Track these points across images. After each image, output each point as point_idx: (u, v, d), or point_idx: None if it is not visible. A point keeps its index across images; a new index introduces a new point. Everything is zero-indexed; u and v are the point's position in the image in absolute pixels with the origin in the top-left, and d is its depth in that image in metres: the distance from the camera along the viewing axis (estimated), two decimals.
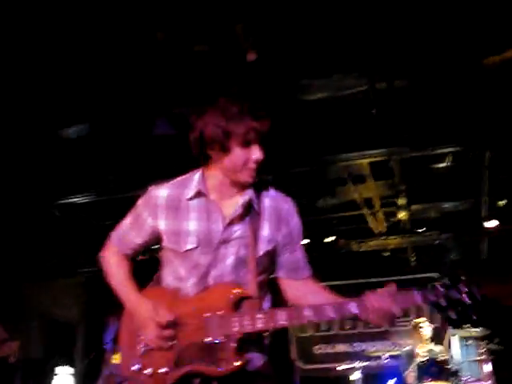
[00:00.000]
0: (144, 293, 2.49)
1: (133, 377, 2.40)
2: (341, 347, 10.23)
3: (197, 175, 2.44)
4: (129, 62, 4.94)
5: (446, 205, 8.01)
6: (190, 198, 2.39)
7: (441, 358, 7.24)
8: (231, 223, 2.37)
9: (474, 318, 2.10)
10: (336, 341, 10.29)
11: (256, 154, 2.29)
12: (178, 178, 2.49)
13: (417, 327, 7.61)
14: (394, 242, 8.70)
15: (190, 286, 2.40)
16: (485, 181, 6.81)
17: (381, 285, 2.19)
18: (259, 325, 2.25)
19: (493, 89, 5.20)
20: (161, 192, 2.44)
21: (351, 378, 7.99)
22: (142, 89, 5.26)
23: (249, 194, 2.39)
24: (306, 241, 8.90)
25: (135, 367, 2.39)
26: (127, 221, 2.60)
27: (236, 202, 2.38)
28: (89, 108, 5.56)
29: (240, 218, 2.39)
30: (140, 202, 2.54)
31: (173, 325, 2.30)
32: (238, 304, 2.32)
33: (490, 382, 7.21)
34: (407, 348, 7.94)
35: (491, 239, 9.02)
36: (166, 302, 2.37)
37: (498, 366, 7.59)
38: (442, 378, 7.07)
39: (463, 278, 2.13)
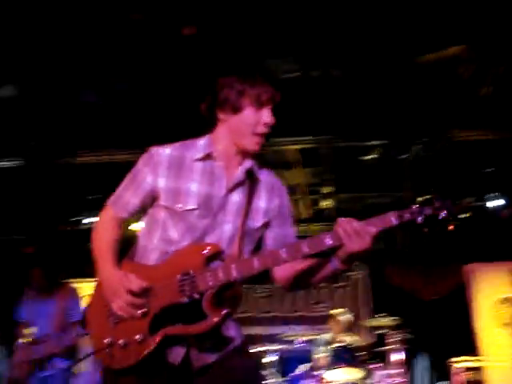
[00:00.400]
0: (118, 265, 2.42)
1: (105, 351, 2.27)
2: (256, 330, 10.28)
3: (203, 140, 2.44)
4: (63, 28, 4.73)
5: (371, 197, 8.14)
6: (198, 159, 2.38)
7: (353, 345, 7.42)
8: (232, 190, 2.39)
9: (451, 228, 2.18)
10: (251, 323, 10.34)
11: (267, 117, 2.32)
12: (181, 142, 2.47)
13: (334, 316, 7.75)
14: (316, 228, 8.80)
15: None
16: (407, 176, 6.96)
17: None
18: (234, 274, 2.21)
19: (424, 85, 5.30)
20: (163, 151, 2.43)
21: (264, 360, 8.03)
22: (73, 57, 5.05)
23: (250, 162, 2.41)
24: None
25: (107, 340, 2.28)
26: (124, 182, 2.54)
27: (238, 169, 2.40)
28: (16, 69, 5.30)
29: (240, 185, 2.41)
30: (140, 161, 2.49)
31: (144, 291, 2.24)
32: (212, 261, 2.29)
33: (400, 370, 7.41)
34: (326, 334, 8.08)
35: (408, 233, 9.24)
36: (139, 271, 2.31)
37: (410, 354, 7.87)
38: (354, 365, 7.23)
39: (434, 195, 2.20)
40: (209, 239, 2.34)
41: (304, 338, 8.54)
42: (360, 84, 5.46)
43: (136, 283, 2.23)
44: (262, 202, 2.47)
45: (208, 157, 2.40)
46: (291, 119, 5.72)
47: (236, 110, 2.34)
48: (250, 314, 10.49)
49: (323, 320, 9.33)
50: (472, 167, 7.03)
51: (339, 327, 7.66)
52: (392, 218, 2.17)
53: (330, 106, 5.62)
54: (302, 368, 7.82)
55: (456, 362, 7.83)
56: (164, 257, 2.36)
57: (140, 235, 2.54)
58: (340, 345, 7.31)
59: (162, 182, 2.38)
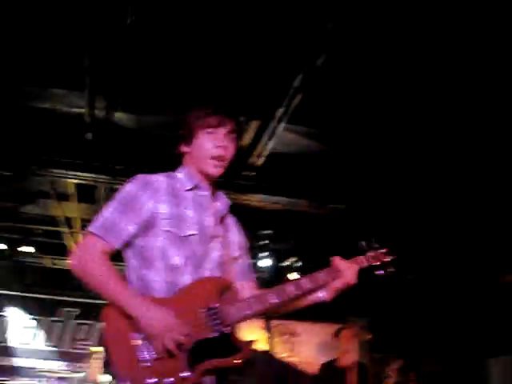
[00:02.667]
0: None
1: None
2: (17, 361, 9.72)
3: (179, 172, 2.54)
4: None
5: None
6: (188, 190, 2.47)
7: None
8: (218, 221, 2.52)
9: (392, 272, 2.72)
10: (13, 354, 9.76)
11: (219, 140, 2.45)
12: (162, 173, 2.51)
13: (93, 355, 7.61)
14: None
15: (186, 275, 2.34)
16: None
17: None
18: (255, 307, 2.36)
19: None
20: (158, 177, 2.45)
21: None
22: None
23: (226, 198, 2.60)
24: (3, 246, 8.43)
25: (152, 381, 2.09)
26: (113, 209, 2.34)
27: (217, 202, 2.55)
28: None
29: (221, 219, 2.56)
30: (131, 187, 2.38)
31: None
32: (224, 293, 2.36)
33: None
34: (80, 373, 7.88)
35: None
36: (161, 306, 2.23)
37: None
38: None
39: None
40: (206, 266, 2.41)
41: (59, 375, 8.27)
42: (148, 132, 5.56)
43: (186, 328, 2.20)
44: (234, 235, 2.64)
45: (196, 187, 2.50)
46: (70, 153, 5.67)
47: (192, 139, 2.48)
48: (5, 344, 9.86)
49: (83, 357, 9.13)
50: None
51: (98, 366, 7.51)
52: (363, 261, 2.66)
53: (110, 146, 5.61)
54: None
55: None
56: (173, 288, 2.31)
57: (130, 267, 2.39)
58: None
59: (163, 208, 2.36)
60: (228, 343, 2.27)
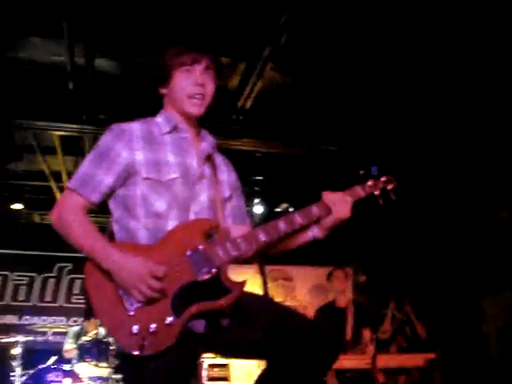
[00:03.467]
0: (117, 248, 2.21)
1: (136, 341, 2.04)
2: (9, 318, 9.76)
3: (159, 116, 2.50)
4: None
5: None
6: (166, 133, 2.42)
7: (105, 339, 7.29)
8: (203, 161, 2.46)
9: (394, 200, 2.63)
10: (5, 311, 9.79)
11: (196, 77, 2.42)
12: (140, 119, 2.45)
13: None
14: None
15: (170, 221, 2.29)
16: None
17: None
18: (243, 247, 2.29)
19: None
20: (132, 125, 2.39)
21: (12, 351, 7.60)
22: None
23: (211, 137, 2.56)
24: None
25: (135, 328, 2.05)
26: (90, 162, 2.27)
27: (202, 142, 2.51)
28: None
29: (208, 158, 2.49)
30: (106, 138, 2.32)
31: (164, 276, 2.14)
32: (210, 235, 2.30)
33: None
34: (76, 326, 7.89)
35: None
36: (140, 253, 2.17)
37: None
38: (102, 359, 7.11)
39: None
40: (193, 208, 2.35)
41: (55, 330, 8.29)
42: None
43: (161, 269, 2.12)
44: (223, 175, 2.59)
45: (175, 128, 2.45)
46: (54, 104, 5.52)
47: (169, 80, 2.44)
48: (5, 303, 9.89)
49: (80, 312, 9.16)
50: None
51: (95, 321, 7.50)
52: (360, 191, 2.56)
53: (92, 94, 5.46)
54: (50, 360, 7.56)
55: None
56: (156, 234, 2.25)
57: (115, 219, 2.35)
58: (89, 338, 7.15)
59: (139, 155, 2.32)
60: (217, 285, 2.22)
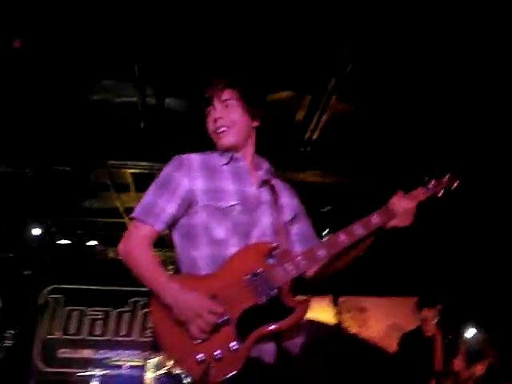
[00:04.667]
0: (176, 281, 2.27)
1: (201, 369, 2.09)
2: (86, 353, 9.98)
3: (216, 151, 2.56)
4: None
5: None
6: (225, 163, 2.49)
7: (176, 371, 7.34)
8: (261, 186, 2.49)
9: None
10: (82, 346, 10.03)
11: (211, 114, 2.50)
12: (199, 152, 2.53)
13: None
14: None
15: (231, 247, 2.29)
16: None
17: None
18: (303, 265, 2.28)
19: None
20: (192, 156, 2.46)
21: None
22: None
23: (267, 163, 2.61)
24: (66, 241, 8.60)
25: (200, 356, 2.10)
26: (151, 193, 2.39)
27: (259, 170, 2.55)
28: None
29: (266, 183, 2.53)
30: (167, 168, 2.43)
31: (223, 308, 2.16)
32: (270, 257, 2.32)
33: None
34: (153, 359, 7.98)
35: None
36: (201, 284, 2.22)
37: None
38: None
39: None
40: (254, 234, 2.35)
41: (131, 364, 8.40)
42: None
43: (216, 307, 2.15)
44: (284, 198, 2.58)
45: (232, 159, 2.51)
46: (126, 143, 5.70)
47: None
48: (81, 337, 10.14)
49: (153, 345, 9.26)
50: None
51: None
52: (422, 193, 2.50)
53: (162, 133, 5.63)
54: None
55: None
56: (217, 261, 2.28)
57: (178, 251, 2.43)
58: (163, 372, 7.22)
59: (199, 184, 2.38)
60: (280, 307, 2.22)
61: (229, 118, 2.49)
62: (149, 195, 2.39)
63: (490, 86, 4.98)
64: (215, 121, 2.49)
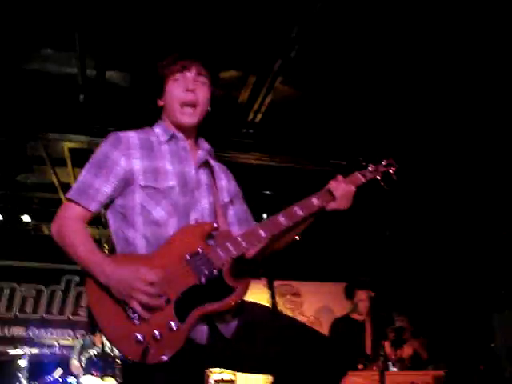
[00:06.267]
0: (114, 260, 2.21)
1: (141, 349, 2.02)
2: (17, 331, 9.78)
3: (157, 127, 2.48)
4: None
5: None
6: (164, 142, 2.41)
7: (112, 353, 7.26)
8: (199, 168, 2.44)
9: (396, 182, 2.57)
10: (13, 323, 9.81)
11: (185, 84, 2.39)
12: (138, 129, 2.44)
13: None
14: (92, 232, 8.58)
15: (170, 228, 2.24)
16: None
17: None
18: (244, 245, 2.26)
19: None
20: (130, 134, 2.37)
21: (19, 364, 7.61)
22: None
23: (207, 144, 2.54)
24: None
25: (139, 337, 2.03)
26: (86, 172, 2.26)
27: (198, 150, 2.48)
28: None
29: (204, 164, 2.47)
30: (103, 147, 2.31)
31: (159, 280, 2.10)
32: (210, 238, 2.29)
33: None
34: (81, 340, 7.88)
35: None
36: (139, 262, 2.14)
37: None
38: (108, 373, 7.10)
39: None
40: (193, 215, 2.32)
41: (62, 342, 8.28)
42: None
43: (153, 273, 2.08)
44: (223, 181, 2.56)
45: (173, 137, 2.43)
46: (65, 116, 5.54)
47: (163, 91, 2.44)
48: (13, 315, 9.92)
49: (85, 324, 9.18)
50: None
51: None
52: (361, 177, 2.48)
53: (102, 106, 5.49)
54: (56, 373, 7.56)
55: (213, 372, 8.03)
56: (156, 242, 2.23)
57: (113, 231, 2.34)
58: (96, 352, 7.14)
59: (137, 163, 2.30)
60: (220, 287, 2.20)
61: (200, 94, 2.42)
62: (84, 175, 2.31)
63: (428, 69, 5.05)
64: (187, 90, 2.39)
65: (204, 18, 4.44)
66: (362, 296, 6.08)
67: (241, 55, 4.89)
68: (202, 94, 2.43)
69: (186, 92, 2.39)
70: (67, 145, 5.83)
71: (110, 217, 2.38)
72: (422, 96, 5.42)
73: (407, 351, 6.12)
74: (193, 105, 2.41)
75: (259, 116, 5.60)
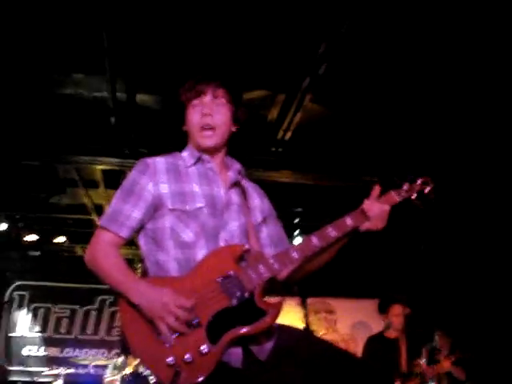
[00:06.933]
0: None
1: (172, 373, 2.03)
2: (52, 351, 9.87)
3: (185, 151, 2.51)
4: None
5: None
6: (191, 165, 2.43)
7: (145, 373, 7.27)
8: (230, 189, 2.44)
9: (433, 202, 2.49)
10: (48, 344, 9.91)
11: (199, 108, 2.42)
12: (165, 154, 2.47)
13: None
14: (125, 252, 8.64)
15: (199, 250, 2.25)
16: None
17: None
18: (276, 267, 2.24)
19: None
20: (157, 159, 2.40)
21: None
22: None
23: (237, 164, 2.54)
24: (34, 237, 8.44)
25: (170, 360, 2.04)
26: (117, 199, 2.33)
27: (228, 170, 2.50)
28: None
29: (235, 185, 2.48)
30: (131, 174, 2.35)
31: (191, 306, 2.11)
32: (242, 260, 2.28)
33: None
34: (118, 359, 7.92)
35: None
36: (171, 286, 2.15)
37: None
38: None
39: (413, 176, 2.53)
40: (222, 236, 2.32)
41: (97, 363, 8.32)
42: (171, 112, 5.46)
43: (185, 298, 2.10)
44: (255, 200, 2.56)
45: (199, 161, 2.45)
46: (96, 138, 5.60)
47: (185, 118, 2.48)
48: (47, 335, 10.02)
49: (119, 344, 9.20)
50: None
51: None
52: (395, 197, 2.44)
53: (134, 129, 5.55)
54: None
55: None
56: (186, 264, 2.24)
57: (145, 255, 2.39)
58: (130, 371, 7.14)
59: (164, 188, 2.33)
60: (252, 310, 2.18)
61: (218, 117, 2.44)
62: (114, 202, 2.36)
63: (466, 88, 5.00)
64: (203, 115, 2.42)
65: (232, 37, 4.46)
66: (397, 311, 6.00)
67: (269, 74, 4.89)
68: (220, 116, 2.44)
69: (203, 116, 2.42)
70: (99, 167, 5.89)
71: (142, 241, 2.41)
72: (452, 111, 5.36)
73: (445, 366, 6.00)
74: (211, 128, 2.43)
75: (289, 134, 5.59)
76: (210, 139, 2.43)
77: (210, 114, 2.42)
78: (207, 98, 2.44)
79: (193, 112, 2.45)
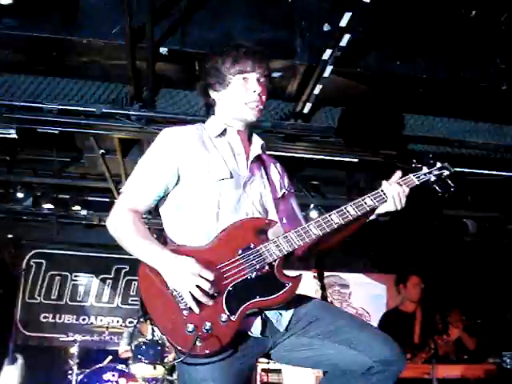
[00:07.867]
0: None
1: (191, 340, 2.08)
2: (68, 318, 10.02)
3: (210, 121, 2.58)
4: None
5: None
6: (216, 136, 2.49)
7: (161, 341, 7.33)
8: (253, 163, 2.50)
9: (452, 187, 2.55)
10: (64, 311, 10.05)
11: (253, 85, 2.45)
12: (189, 125, 2.54)
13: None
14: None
15: (221, 221, 2.29)
16: None
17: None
18: (296, 242, 2.29)
19: None
20: (182, 129, 2.48)
21: (71, 350, 7.77)
22: None
23: (260, 139, 2.59)
24: (51, 206, 8.47)
25: (190, 328, 2.10)
26: (141, 167, 2.38)
27: (251, 145, 2.55)
28: None
29: (257, 159, 2.54)
30: (157, 142, 2.40)
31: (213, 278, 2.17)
32: (262, 233, 2.33)
33: None
34: (130, 328, 8.02)
35: None
36: (194, 255, 2.20)
37: None
38: (157, 360, 7.16)
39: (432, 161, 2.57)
40: (244, 209, 2.37)
41: (112, 330, 8.42)
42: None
43: (209, 271, 2.15)
44: (276, 175, 2.65)
45: (224, 133, 2.52)
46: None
47: (225, 86, 2.48)
48: (62, 302, 10.15)
49: (134, 313, 9.33)
50: None
51: (148, 322, 7.56)
52: (415, 180, 2.52)
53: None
54: (106, 360, 7.70)
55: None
56: (208, 235, 2.29)
57: (166, 224, 2.43)
58: (145, 339, 7.22)
59: (189, 158, 2.37)
60: (272, 282, 2.23)
61: (263, 96, 2.52)
62: (138, 170, 2.39)
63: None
64: (256, 94, 2.47)
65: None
66: (415, 280, 6.08)
67: (289, 44, 4.83)
68: (264, 95, 2.52)
69: (253, 93, 2.46)
70: (117, 136, 5.86)
71: (164, 210, 2.44)
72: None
73: (455, 331, 6.06)
74: (257, 105, 2.48)
75: (308, 106, 5.52)
76: (254, 115, 2.50)
77: (262, 94, 2.49)
78: (257, 76, 2.48)
79: (240, 84, 2.47)
